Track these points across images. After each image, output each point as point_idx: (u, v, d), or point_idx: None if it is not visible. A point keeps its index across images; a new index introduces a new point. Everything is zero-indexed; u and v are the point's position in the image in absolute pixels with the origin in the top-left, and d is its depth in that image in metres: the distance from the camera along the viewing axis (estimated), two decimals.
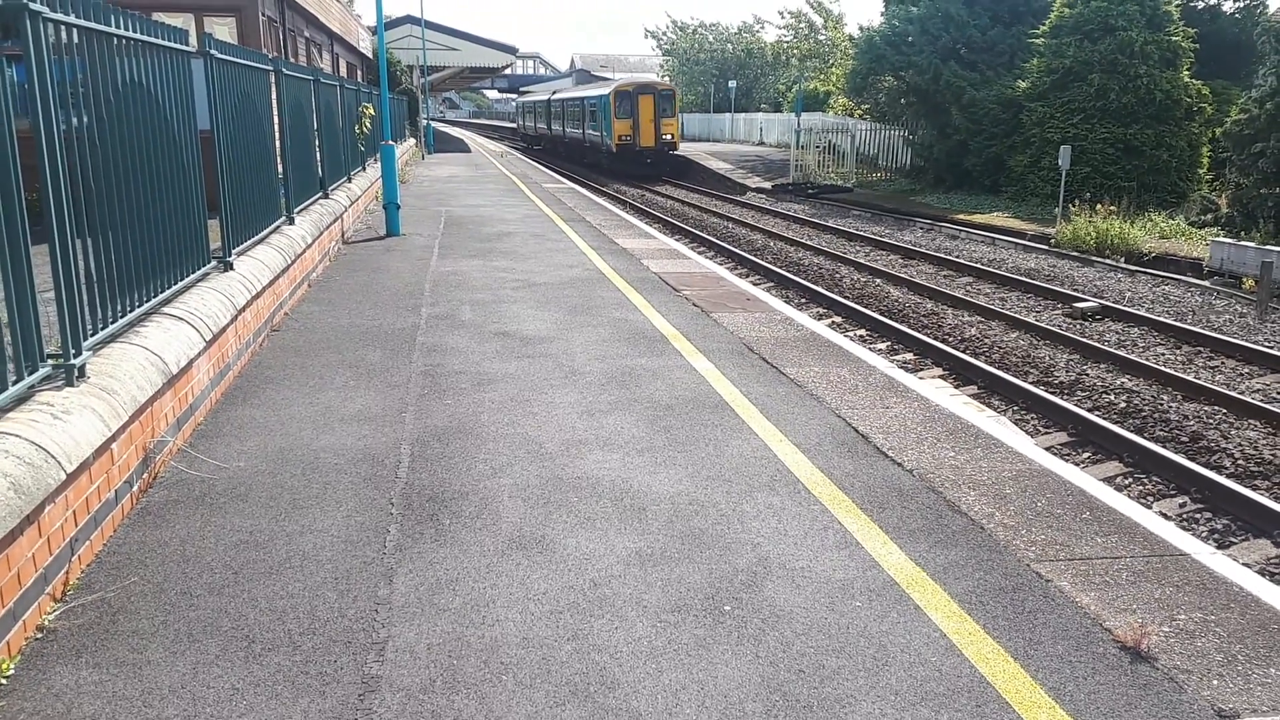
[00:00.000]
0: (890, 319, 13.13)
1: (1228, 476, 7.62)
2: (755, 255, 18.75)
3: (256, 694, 3.28)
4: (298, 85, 11.71)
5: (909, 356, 11.48)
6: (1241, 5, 32.17)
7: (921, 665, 3.54)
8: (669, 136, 39.63)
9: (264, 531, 4.52)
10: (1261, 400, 9.59)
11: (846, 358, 7.88)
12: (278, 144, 10.19)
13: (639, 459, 5.52)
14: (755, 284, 14.81)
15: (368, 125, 18.62)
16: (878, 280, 16.24)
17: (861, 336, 12.38)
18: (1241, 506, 7.02)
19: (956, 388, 10.11)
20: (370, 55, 36.96)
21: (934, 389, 7.43)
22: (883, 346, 11.90)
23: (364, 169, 19.11)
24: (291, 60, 20.46)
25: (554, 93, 56.04)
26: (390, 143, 16.15)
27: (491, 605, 3.90)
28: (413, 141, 39.48)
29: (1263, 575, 5.39)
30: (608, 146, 40.00)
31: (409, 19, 45.92)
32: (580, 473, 5.31)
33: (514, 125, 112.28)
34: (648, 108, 39.08)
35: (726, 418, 6.27)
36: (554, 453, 5.60)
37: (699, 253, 15.53)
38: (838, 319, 13.47)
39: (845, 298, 14.60)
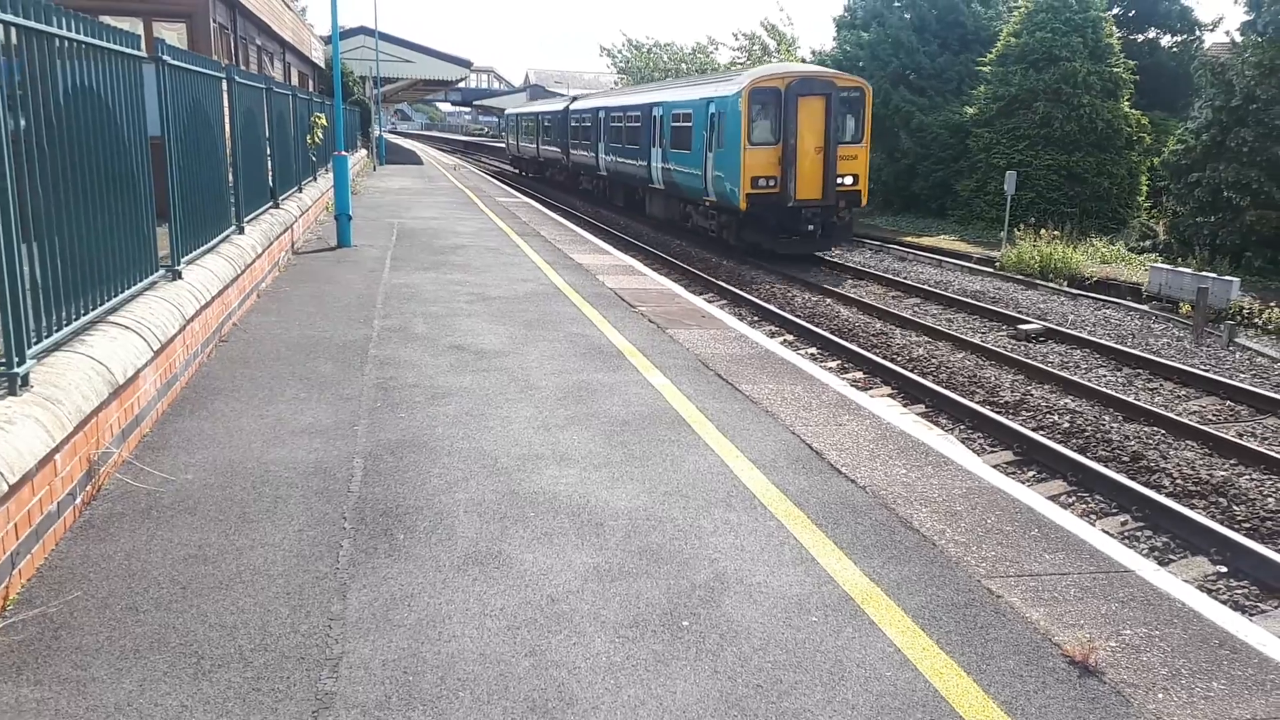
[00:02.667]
0: (841, 338, 13.29)
1: (1167, 495, 7.83)
2: (709, 274, 18.87)
3: (206, 711, 3.21)
4: (250, 93, 11.56)
5: (859, 375, 11.63)
6: (1179, 40, 33.32)
7: (877, 680, 3.57)
8: (850, 180, 20.27)
9: (213, 546, 4.42)
10: (1198, 421, 9.87)
11: (800, 375, 7.96)
12: (229, 152, 10.05)
13: (596, 474, 5.52)
14: (710, 301, 14.90)
15: (320, 135, 18.43)
16: (828, 300, 16.45)
17: (813, 354, 12.51)
18: (1180, 524, 7.21)
19: (905, 406, 10.26)
20: (323, 65, 36.62)
21: (885, 407, 7.54)
22: (834, 364, 12.03)
23: (315, 179, 18.89)
24: (243, 68, 20.19)
25: (574, 101, 36.45)
26: (343, 153, 16.00)
27: (448, 621, 3.86)
28: (364, 153, 39.13)
29: (1202, 591, 5.54)
30: (725, 200, 20.66)
31: (363, 30, 45.56)
32: (537, 488, 5.28)
33: (468, 138, 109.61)
34: (814, 121, 19.78)
35: (683, 433, 6.29)
36: (510, 467, 5.57)
37: (655, 270, 15.60)
38: (790, 337, 13.60)
39: (797, 316, 14.76)
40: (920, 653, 3.75)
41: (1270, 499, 7.85)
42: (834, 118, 19.62)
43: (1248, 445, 8.93)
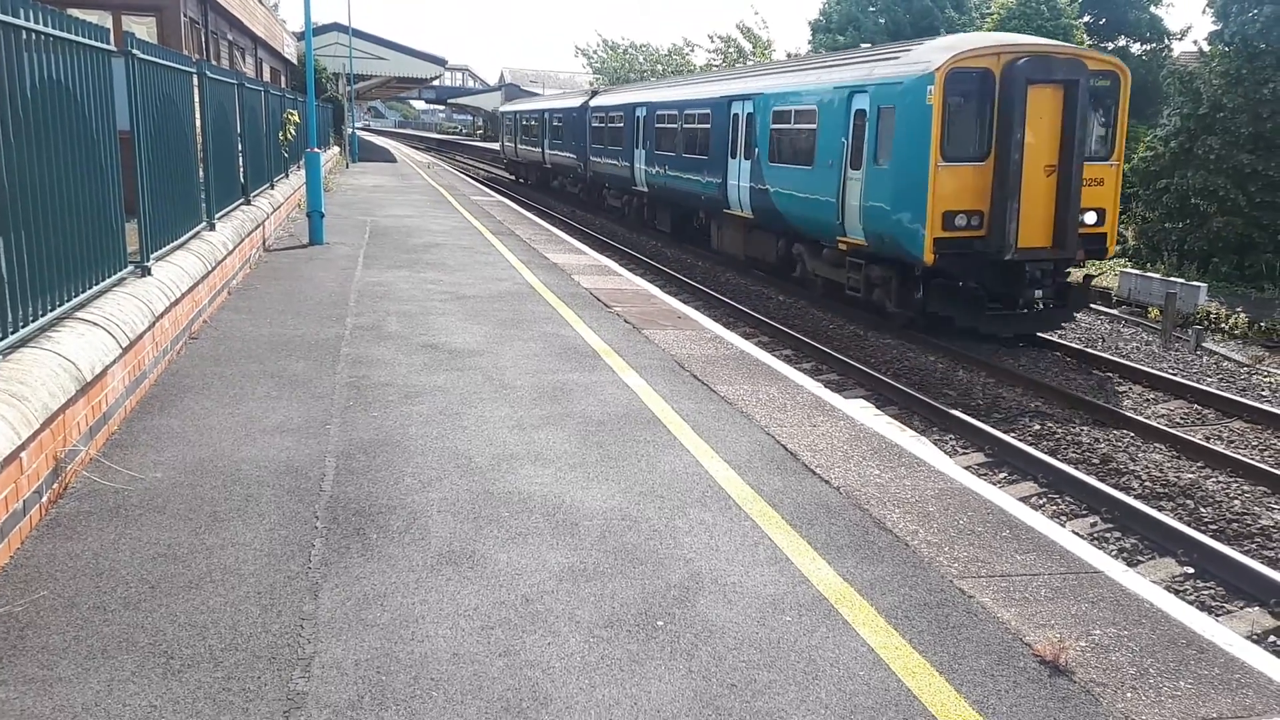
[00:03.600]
0: (814, 340, 13.34)
1: (1136, 497, 7.92)
2: (684, 274, 18.88)
3: (175, 712, 3.17)
4: (221, 89, 11.44)
5: (833, 376, 11.68)
6: (1149, 49, 33.80)
7: (850, 679, 3.59)
8: (1094, 217, 13.09)
9: (183, 544, 4.37)
10: (1165, 425, 10.00)
11: (775, 376, 7.99)
12: (199, 148, 9.93)
13: (571, 474, 5.50)
14: (685, 302, 14.91)
15: (292, 132, 18.27)
16: (802, 301, 16.50)
17: (787, 356, 12.55)
18: (1149, 526, 7.31)
19: (879, 408, 10.31)
20: (296, 61, 36.30)
21: (858, 408, 7.57)
22: (808, 366, 12.08)
23: (287, 176, 18.72)
24: (214, 63, 19.97)
25: (596, 95, 29.72)
26: (316, 150, 15.87)
27: (421, 621, 3.84)
28: (337, 150, 38.84)
29: (1169, 592, 5.61)
30: (885, 244, 13.26)
31: (336, 26, 45.26)
32: (511, 487, 5.26)
33: (442, 136, 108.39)
34: (1047, 124, 12.43)
35: (658, 434, 6.29)
36: (484, 467, 5.55)
37: (630, 270, 15.59)
38: (765, 338, 13.64)
39: (772, 318, 14.80)
40: (893, 652, 3.77)
41: (1236, 501, 7.97)
42: (1078, 119, 12.12)
43: (1214, 448, 9.06)
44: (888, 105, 12.90)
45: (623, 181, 25.52)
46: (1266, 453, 9.30)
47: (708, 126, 19.34)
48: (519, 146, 40.25)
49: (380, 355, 8.02)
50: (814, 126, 14.94)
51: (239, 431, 5.95)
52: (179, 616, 3.75)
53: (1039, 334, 13.64)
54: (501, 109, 49.48)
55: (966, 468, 8.37)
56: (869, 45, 19.56)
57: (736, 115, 18.02)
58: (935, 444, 9.20)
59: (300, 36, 35.22)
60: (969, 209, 12.23)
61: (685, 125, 20.73)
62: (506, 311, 10.14)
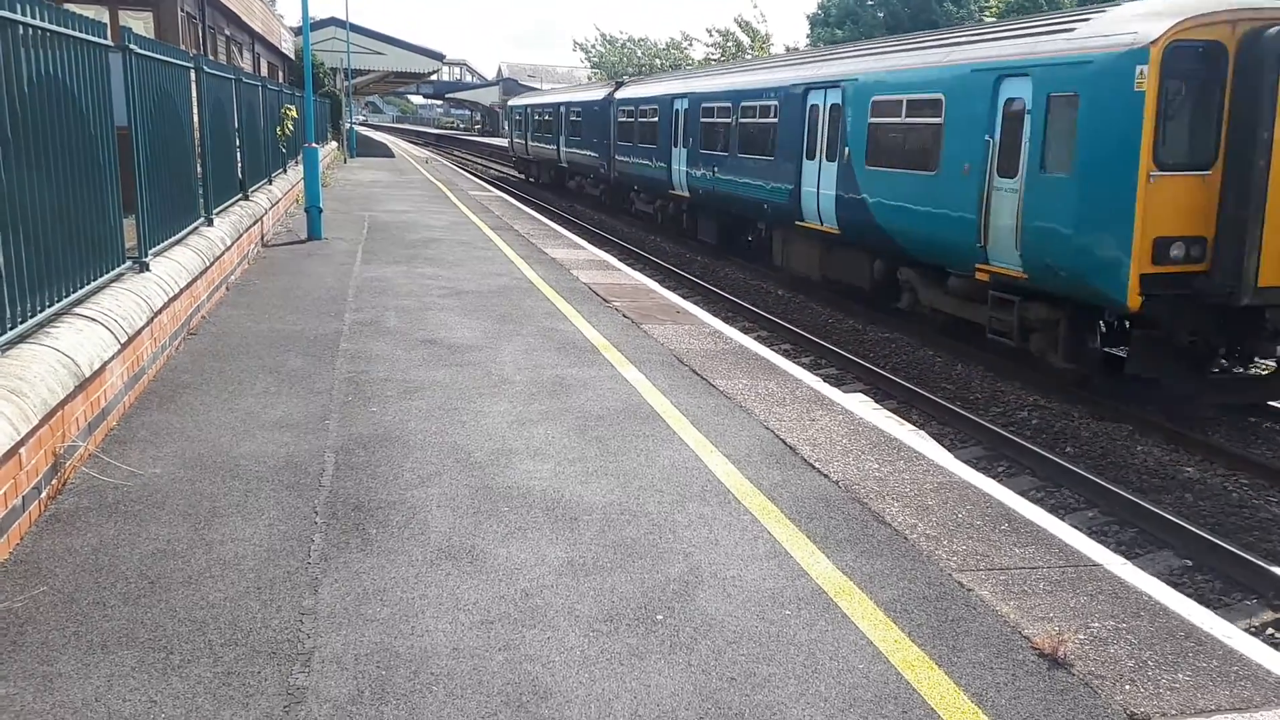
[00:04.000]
0: (813, 334, 13.34)
1: (1134, 491, 7.93)
2: (681, 269, 18.88)
3: (176, 706, 3.17)
4: (219, 84, 11.42)
5: (832, 371, 11.68)
6: None
7: (850, 672, 3.60)
8: None
9: (182, 540, 4.37)
10: (1163, 418, 9.99)
11: (774, 371, 7.99)
12: (197, 143, 9.92)
13: (570, 469, 5.51)
14: (684, 296, 14.91)
15: (290, 127, 18.25)
16: (800, 296, 16.50)
17: (786, 350, 12.55)
18: (1147, 520, 7.31)
19: (878, 402, 10.31)
20: (293, 56, 36.24)
21: (857, 402, 7.58)
22: (807, 360, 12.08)
23: (285, 171, 18.70)
24: (211, 58, 19.93)
25: (622, 86, 26.68)
26: (313, 145, 15.85)
27: (421, 615, 3.84)
28: (335, 145, 38.79)
29: (1169, 585, 5.61)
30: (1060, 279, 9.80)
31: (333, 21, 45.17)
32: (511, 482, 5.27)
33: (440, 131, 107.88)
34: None
35: (657, 428, 6.29)
36: (483, 462, 5.55)
37: (629, 265, 15.58)
38: (764, 333, 13.64)
39: (771, 313, 14.79)
40: (892, 645, 3.78)
41: (1234, 494, 7.98)
42: None
43: (1211, 440, 9.06)
44: (1065, 93, 9.74)
45: (656, 184, 22.19)
46: None
47: (773, 121, 16.25)
48: (530, 143, 36.56)
49: (379, 350, 8.02)
50: (939, 120, 11.56)
51: (238, 427, 5.95)
52: (179, 612, 3.76)
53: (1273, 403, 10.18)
54: (510, 102, 43.57)
55: (965, 461, 8.38)
56: (995, 20, 16.82)
57: (815, 107, 14.81)
58: (934, 438, 9.21)
59: (297, 31, 35.16)
60: (1188, 235, 9.02)
61: (742, 120, 17.48)
62: (505, 306, 10.14)
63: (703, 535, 4.71)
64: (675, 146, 20.88)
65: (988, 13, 29.10)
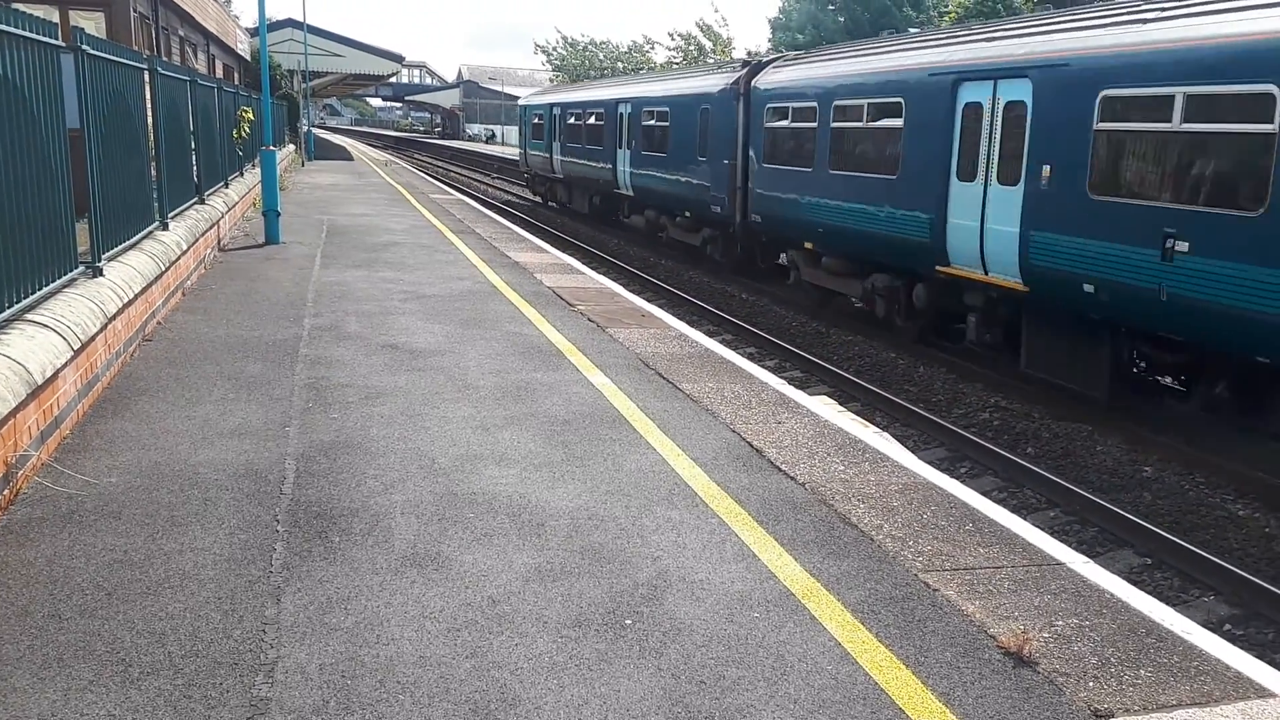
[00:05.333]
0: (777, 337, 13.40)
1: (1094, 491, 8.04)
2: (646, 272, 18.88)
3: None
4: (173, 86, 11.23)
5: (797, 373, 11.74)
6: None
7: (818, 674, 3.60)
8: None
9: (139, 550, 4.27)
10: (1123, 417, 10.15)
11: (739, 374, 8.00)
12: (151, 146, 9.74)
13: (536, 474, 5.47)
14: (649, 300, 14.91)
15: (246, 130, 18.00)
16: (764, 299, 16.57)
17: (751, 353, 12.60)
18: (1107, 519, 7.42)
19: (842, 404, 10.37)
20: (249, 58, 35.77)
21: (822, 405, 7.62)
22: (771, 363, 12.13)
23: (242, 174, 18.45)
24: (165, 59, 19.61)
25: (755, 63, 16.79)
26: (270, 148, 15.64)
27: (386, 624, 3.79)
28: (292, 148, 38.34)
29: (1129, 583, 5.69)
30: None
31: (290, 22, 44.64)
32: (476, 488, 5.22)
33: (400, 134, 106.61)
34: None
35: (624, 432, 6.27)
36: (448, 468, 5.49)
37: (593, 268, 15.56)
38: (729, 336, 13.68)
39: (735, 316, 14.84)
40: (860, 646, 3.79)
41: (1191, 493, 8.13)
42: None
43: (1169, 441, 9.23)
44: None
45: (906, 253, 11.95)
46: None
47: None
48: (561, 156, 26.43)
49: (340, 356, 7.92)
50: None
51: (196, 435, 5.84)
52: (137, 623, 3.67)
53: None
54: (523, 102, 32.25)
55: (928, 463, 8.46)
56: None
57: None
58: (898, 439, 9.28)
59: (253, 32, 34.73)
60: None
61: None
62: (468, 311, 10.07)
63: (671, 539, 4.70)
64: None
65: (946, 16, 29.49)
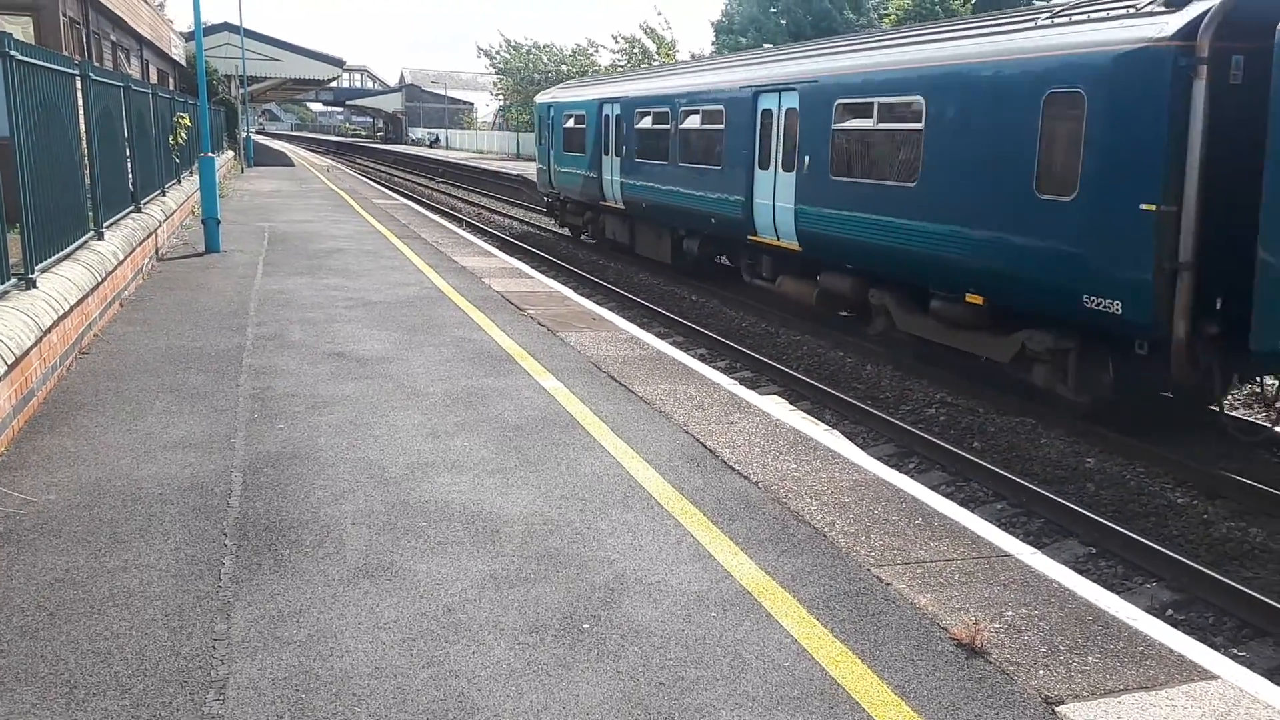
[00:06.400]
0: (728, 338, 13.48)
1: (1039, 483, 8.21)
2: (595, 275, 18.86)
3: None
4: (107, 92, 10.96)
5: (748, 374, 11.81)
6: None
7: (776, 671, 3.62)
8: None
9: (82, 569, 4.16)
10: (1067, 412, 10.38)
11: (691, 375, 8.03)
12: (85, 154, 9.50)
13: (489, 480, 5.43)
14: (599, 303, 14.90)
15: (183, 136, 17.63)
16: (714, 301, 16.66)
17: (703, 355, 12.65)
18: (1052, 510, 7.58)
19: (793, 404, 10.47)
20: (185, 63, 35.07)
21: (773, 404, 7.68)
22: (722, 364, 12.19)
23: (180, 182, 18.07)
24: (98, 65, 19.14)
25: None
26: (209, 155, 15.34)
27: (340, 636, 3.73)
28: (231, 154, 37.64)
29: (1075, 572, 5.81)
30: None
31: (226, 26, 43.87)
32: (428, 496, 5.17)
33: (342, 139, 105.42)
34: None
35: (578, 436, 6.26)
36: (399, 477, 5.43)
37: (542, 272, 15.50)
38: (680, 338, 13.72)
39: (686, 318, 14.89)
40: (816, 642, 3.83)
41: (1133, 482, 8.33)
42: None
43: (1110, 434, 9.45)
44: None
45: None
46: None
47: None
48: (622, 178, 18.44)
49: (285, 365, 7.79)
50: None
51: (138, 449, 5.70)
52: (81, 644, 3.57)
53: None
54: (553, 97, 23.17)
55: (878, 459, 8.57)
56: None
57: None
58: (848, 437, 9.38)
59: (188, 37, 34.07)
60: None
61: None
62: (415, 317, 9.97)
63: (627, 542, 4.70)
64: None
65: (886, 19, 29.95)
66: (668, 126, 16.62)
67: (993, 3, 34.04)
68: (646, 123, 17.55)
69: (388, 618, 3.89)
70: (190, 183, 18.88)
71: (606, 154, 19.37)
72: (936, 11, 27.79)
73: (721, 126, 14.84)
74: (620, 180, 18.71)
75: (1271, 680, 3.88)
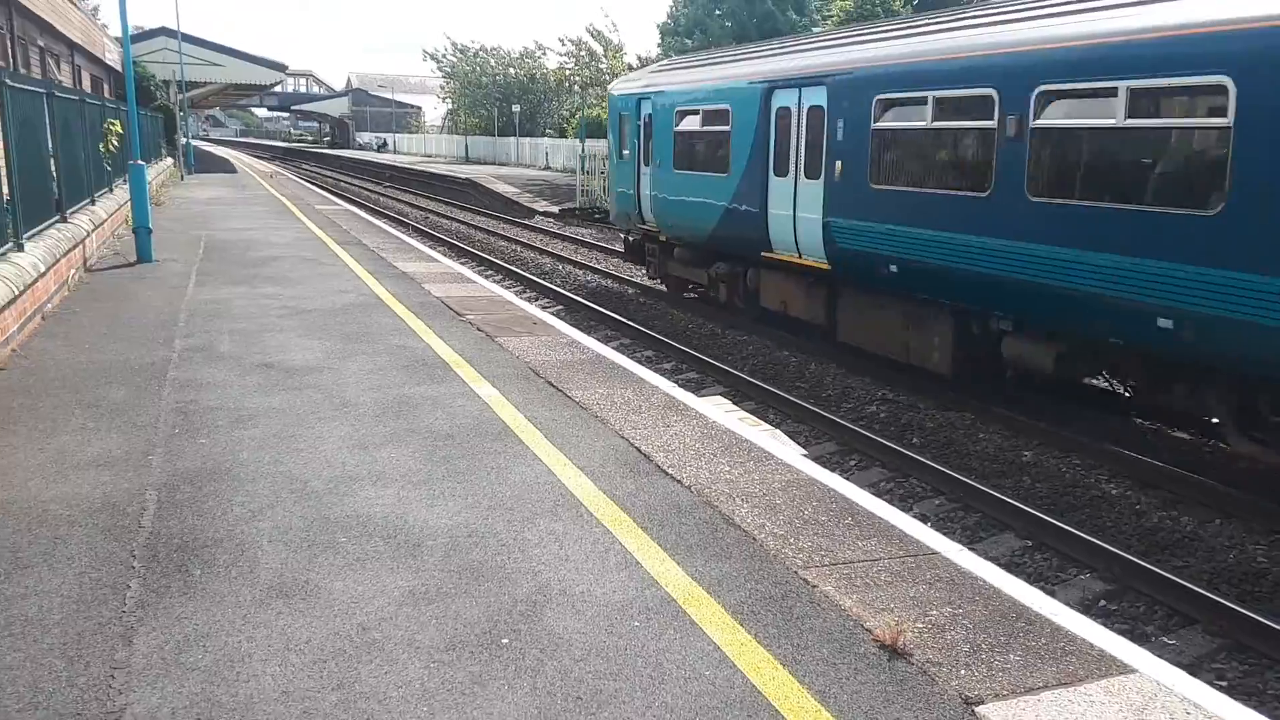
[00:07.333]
0: (674, 340, 13.44)
1: (976, 477, 8.27)
2: (543, 279, 18.73)
3: None
4: (28, 99, 10.62)
5: (693, 375, 11.78)
6: None
7: (696, 680, 3.56)
8: None
9: None
10: (1003, 409, 10.47)
11: (630, 379, 7.96)
12: (2, 164, 9.19)
13: (415, 492, 5.31)
14: (544, 307, 14.78)
15: (114, 143, 17.19)
16: (662, 303, 16.62)
17: (648, 357, 12.60)
18: (989, 504, 7.63)
19: (737, 404, 10.45)
20: (119, 68, 34.29)
21: (713, 406, 7.63)
22: (668, 366, 12.15)
23: (111, 190, 17.62)
24: (23, 71, 18.61)
25: None
26: (140, 162, 14.97)
27: (248, 660, 3.60)
28: (170, 161, 36.87)
29: (1008, 569, 5.84)
30: None
31: (164, 31, 42.94)
32: (350, 511, 5.03)
33: (288, 144, 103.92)
34: None
35: (509, 444, 6.16)
36: (321, 491, 5.29)
37: (484, 276, 15.35)
38: (626, 340, 13.65)
39: (632, 320, 14.82)
40: (739, 649, 3.77)
41: (1068, 475, 8.42)
42: None
43: (1046, 427, 9.55)
44: None
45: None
46: None
47: None
48: (829, 216, 11.14)
49: (211, 378, 7.58)
50: None
51: (49, 469, 5.49)
52: None
53: None
54: (647, 85, 15.99)
55: (819, 458, 8.56)
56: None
57: None
58: (790, 436, 9.38)
59: (123, 41, 33.31)
60: None
61: None
62: (351, 325, 9.78)
63: (553, 552, 4.61)
64: None
65: (829, 20, 30.16)
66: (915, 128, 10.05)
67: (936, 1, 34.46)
68: (896, 128, 10.22)
69: (299, 639, 3.76)
70: (123, 191, 18.40)
71: (782, 174, 12.21)
72: (878, 13, 28.06)
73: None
74: (834, 221, 11.13)
75: (1189, 672, 3.91)
